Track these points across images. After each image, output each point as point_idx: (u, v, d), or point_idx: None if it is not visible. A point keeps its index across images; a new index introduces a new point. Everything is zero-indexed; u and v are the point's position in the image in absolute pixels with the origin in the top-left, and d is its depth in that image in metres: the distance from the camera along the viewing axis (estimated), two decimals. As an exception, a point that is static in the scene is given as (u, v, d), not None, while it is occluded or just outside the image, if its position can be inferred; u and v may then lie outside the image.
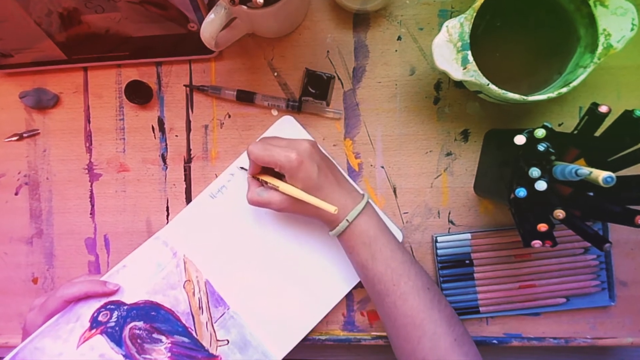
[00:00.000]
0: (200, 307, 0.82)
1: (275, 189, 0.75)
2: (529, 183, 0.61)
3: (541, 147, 0.61)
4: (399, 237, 0.84)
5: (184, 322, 0.80)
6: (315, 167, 0.72)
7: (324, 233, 0.83)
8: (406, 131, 0.85)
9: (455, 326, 0.72)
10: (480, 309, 0.84)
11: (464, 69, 0.67)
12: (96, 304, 0.78)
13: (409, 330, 0.71)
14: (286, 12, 0.77)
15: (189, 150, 0.89)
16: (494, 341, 0.85)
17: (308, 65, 0.85)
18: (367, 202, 0.77)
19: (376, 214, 0.78)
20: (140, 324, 0.78)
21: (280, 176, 0.76)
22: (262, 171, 0.78)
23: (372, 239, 0.74)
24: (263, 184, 0.78)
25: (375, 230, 0.75)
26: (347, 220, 0.74)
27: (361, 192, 0.79)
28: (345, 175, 0.82)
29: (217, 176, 0.88)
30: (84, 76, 0.90)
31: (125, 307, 0.79)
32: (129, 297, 0.80)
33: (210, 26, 0.69)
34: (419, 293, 0.72)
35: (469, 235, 0.84)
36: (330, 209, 0.70)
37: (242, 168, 0.87)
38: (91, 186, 0.91)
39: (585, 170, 0.56)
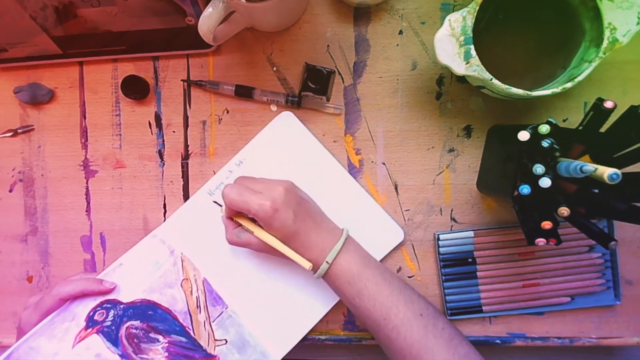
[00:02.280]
0: (198, 306, 0.82)
1: (251, 233, 0.77)
2: (533, 180, 0.61)
3: (545, 143, 0.61)
4: (401, 235, 0.85)
5: (181, 321, 0.80)
6: (291, 213, 0.73)
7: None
8: (408, 127, 0.85)
9: (457, 347, 0.72)
10: (483, 308, 0.84)
11: (466, 63, 0.67)
12: (92, 302, 0.78)
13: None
14: (286, 5, 0.77)
15: (186, 146, 0.89)
16: (497, 341, 0.85)
17: (308, 59, 0.85)
18: (347, 238, 0.78)
19: (358, 248, 0.78)
20: (136, 323, 0.78)
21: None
22: (238, 213, 0.78)
23: (355, 277, 0.74)
24: (239, 225, 0.79)
25: (357, 267, 0.75)
26: (326, 262, 0.74)
27: (340, 227, 0.80)
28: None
29: (215, 173, 0.88)
30: (80, 71, 0.90)
31: (122, 306, 0.79)
32: (126, 295, 0.80)
33: (208, 20, 0.69)
34: (411, 323, 0.72)
35: (471, 233, 0.84)
36: (305, 265, 0.73)
37: (215, 202, 0.87)
38: (87, 183, 0.91)
39: (590, 166, 0.56)
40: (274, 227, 0.72)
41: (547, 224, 0.62)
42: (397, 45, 0.84)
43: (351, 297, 0.75)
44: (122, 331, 0.77)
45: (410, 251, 0.86)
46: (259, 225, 0.75)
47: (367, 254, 0.78)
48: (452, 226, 0.86)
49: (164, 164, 0.89)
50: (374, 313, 0.73)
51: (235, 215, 0.78)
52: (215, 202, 0.86)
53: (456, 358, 0.70)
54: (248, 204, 0.72)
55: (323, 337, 0.87)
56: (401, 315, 0.72)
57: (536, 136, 0.61)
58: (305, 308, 0.85)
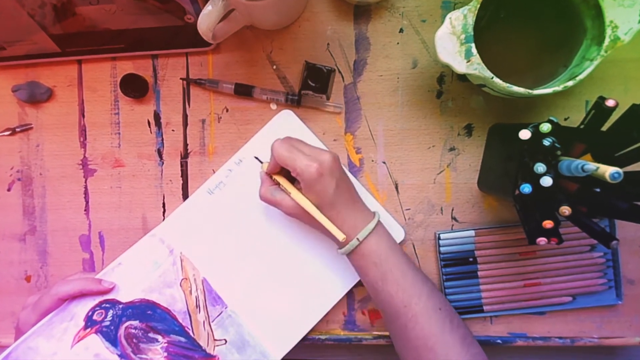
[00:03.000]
0: (198, 306, 0.82)
1: (288, 195, 0.76)
2: (534, 179, 0.61)
3: (547, 142, 0.61)
4: (401, 234, 0.85)
5: (180, 321, 0.80)
6: (334, 182, 0.72)
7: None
8: (408, 126, 0.85)
9: (469, 347, 0.72)
10: (484, 307, 0.84)
11: (467, 61, 0.67)
12: (91, 302, 0.78)
13: (421, 352, 0.72)
14: (285, 3, 0.77)
15: (185, 145, 0.89)
16: (498, 341, 0.85)
17: (308, 58, 0.85)
18: (379, 222, 0.77)
19: (387, 234, 0.77)
20: (135, 323, 0.78)
21: (295, 180, 0.77)
22: (279, 171, 0.78)
23: (382, 259, 0.74)
24: (277, 184, 0.78)
25: (386, 251, 0.74)
26: (357, 239, 0.73)
27: (372, 210, 0.79)
28: (360, 192, 0.82)
29: (214, 172, 0.88)
30: (78, 69, 0.90)
31: (121, 306, 0.79)
32: (125, 295, 0.80)
33: (208, 18, 0.69)
34: (430, 315, 0.72)
35: (472, 233, 0.84)
36: (339, 235, 0.72)
37: (256, 158, 0.87)
38: (85, 182, 0.91)
39: (591, 165, 0.56)
40: (314, 190, 0.72)
41: (548, 223, 0.62)
42: (398, 43, 0.84)
43: (375, 280, 0.74)
44: (121, 331, 0.77)
45: (411, 250, 0.86)
46: (298, 189, 0.75)
47: (395, 241, 0.77)
48: (452, 225, 0.86)
49: (163, 163, 0.89)
50: (395, 299, 0.73)
51: (276, 172, 0.78)
52: (256, 157, 0.87)
53: (467, 356, 0.70)
54: (295, 162, 0.71)
55: (323, 337, 0.87)
56: (422, 305, 0.72)
57: (537, 135, 0.61)
58: (305, 308, 0.85)
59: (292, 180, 0.77)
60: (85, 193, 0.91)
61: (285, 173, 0.77)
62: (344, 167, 0.79)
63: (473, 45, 0.67)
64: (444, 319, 0.72)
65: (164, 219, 0.89)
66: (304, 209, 0.74)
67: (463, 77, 0.83)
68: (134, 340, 0.77)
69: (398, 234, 0.85)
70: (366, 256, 0.74)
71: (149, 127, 0.89)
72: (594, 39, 0.68)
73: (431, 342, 0.70)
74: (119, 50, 0.87)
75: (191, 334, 0.80)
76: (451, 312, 0.74)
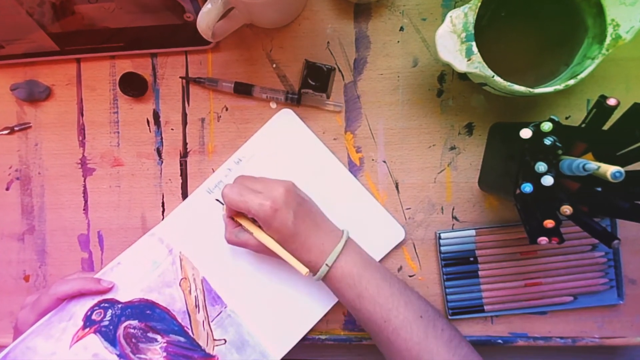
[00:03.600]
0: (197, 306, 0.82)
1: (251, 234, 0.77)
2: (535, 178, 0.61)
3: (548, 141, 0.61)
4: (401, 234, 0.85)
5: (179, 321, 0.80)
6: (291, 214, 0.73)
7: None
8: (409, 124, 0.85)
9: (456, 349, 0.72)
10: (485, 307, 0.84)
11: (468, 60, 0.67)
12: (90, 302, 0.78)
13: None
14: (285, 1, 0.77)
15: (185, 144, 0.89)
16: (499, 341, 0.85)
17: (308, 56, 0.85)
18: (348, 240, 0.78)
19: (358, 250, 0.78)
20: (134, 322, 0.78)
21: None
22: (239, 213, 0.78)
23: (355, 279, 0.74)
24: (239, 225, 0.79)
25: (358, 269, 0.75)
26: (326, 264, 0.74)
27: (340, 229, 0.80)
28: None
29: (214, 171, 0.88)
30: (77, 68, 0.90)
31: (120, 306, 0.79)
32: (124, 295, 0.80)
33: (207, 16, 0.69)
34: (411, 325, 0.72)
35: (473, 232, 0.84)
36: (302, 270, 0.74)
37: (217, 200, 0.87)
38: (84, 181, 0.91)
39: (593, 164, 0.56)
40: (273, 227, 0.73)
41: (549, 223, 0.62)
42: (398, 42, 0.84)
43: (351, 300, 0.75)
44: (120, 331, 0.77)
45: (411, 250, 0.86)
46: (259, 226, 0.76)
47: (367, 255, 0.78)
48: (453, 225, 0.86)
49: (162, 162, 0.89)
50: (374, 315, 0.73)
51: (235, 214, 0.78)
52: (217, 200, 0.87)
53: (456, 359, 0.70)
54: (247, 204, 0.72)
55: (323, 337, 0.87)
56: (401, 317, 0.72)
57: (538, 134, 0.61)
58: (305, 307, 0.85)
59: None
60: (84, 192, 0.91)
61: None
62: (300, 192, 0.79)
63: (474, 43, 0.67)
64: (426, 326, 0.72)
65: (163, 219, 0.89)
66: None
67: (464, 76, 0.83)
68: (133, 340, 0.77)
69: (398, 234, 0.85)
70: (339, 279, 0.75)
71: (148, 126, 0.89)
72: (596, 38, 0.68)
73: (415, 351, 0.71)
74: (118, 48, 0.87)
75: (190, 333, 0.80)
76: (434, 317, 0.74)
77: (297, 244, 0.74)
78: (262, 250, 0.77)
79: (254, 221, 0.77)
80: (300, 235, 0.74)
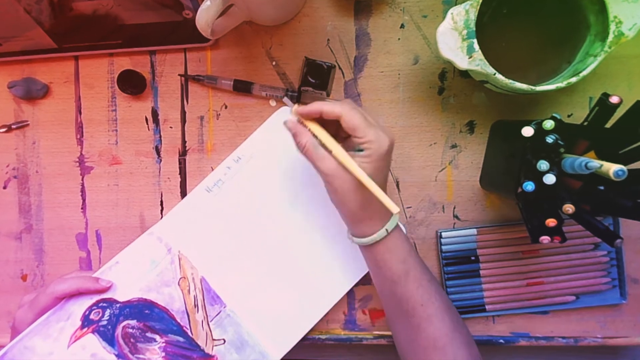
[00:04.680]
0: (196, 305, 0.82)
1: (329, 153, 0.67)
2: (537, 176, 0.61)
3: (550, 139, 0.61)
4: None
5: (178, 320, 0.80)
6: (389, 164, 0.68)
7: (325, 228, 0.83)
8: (409, 122, 0.85)
9: (471, 348, 0.71)
10: (487, 307, 0.84)
11: (469, 57, 0.67)
12: (88, 301, 0.78)
13: (429, 352, 0.70)
14: (285, -2, 0.77)
15: (183, 142, 0.89)
16: (501, 341, 0.85)
17: (308, 54, 0.85)
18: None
19: (402, 230, 0.75)
20: (133, 322, 0.78)
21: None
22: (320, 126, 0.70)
23: (407, 254, 0.71)
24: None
25: (408, 244, 0.72)
26: (386, 229, 0.69)
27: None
28: None
29: (213, 169, 0.87)
30: (75, 65, 0.90)
31: (118, 305, 0.79)
32: (122, 294, 0.80)
33: (206, 13, 0.69)
34: (444, 316, 0.70)
35: (474, 231, 0.84)
36: (393, 208, 0.62)
37: (287, 96, 0.84)
38: (82, 180, 0.91)
39: (595, 163, 0.56)
40: (376, 165, 0.65)
41: (551, 222, 0.62)
42: (399, 39, 0.84)
43: (397, 275, 0.71)
44: (119, 331, 0.77)
45: (412, 249, 0.86)
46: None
47: (407, 236, 0.75)
48: (454, 224, 0.86)
49: (161, 160, 0.89)
50: (414, 297, 0.70)
51: (313, 123, 0.70)
52: (287, 96, 0.84)
53: (472, 358, 0.70)
54: (367, 129, 0.64)
55: (323, 337, 0.87)
56: (437, 304, 0.70)
57: (540, 132, 0.61)
58: (305, 307, 0.85)
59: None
60: (82, 191, 0.91)
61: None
62: None
63: (475, 41, 0.67)
64: (456, 320, 0.72)
65: (161, 217, 0.89)
66: (344, 178, 0.66)
67: (465, 74, 0.83)
68: (132, 340, 0.77)
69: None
70: (391, 250, 0.71)
71: (147, 124, 0.89)
72: (598, 35, 0.68)
73: (442, 343, 0.69)
74: (116, 46, 0.87)
75: (189, 333, 0.80)
76: (456, 312, 0.74)
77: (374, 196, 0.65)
78: (331, 179, 0.67)
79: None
80: (383, 185, 0.68)
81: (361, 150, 0.65)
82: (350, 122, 0.64)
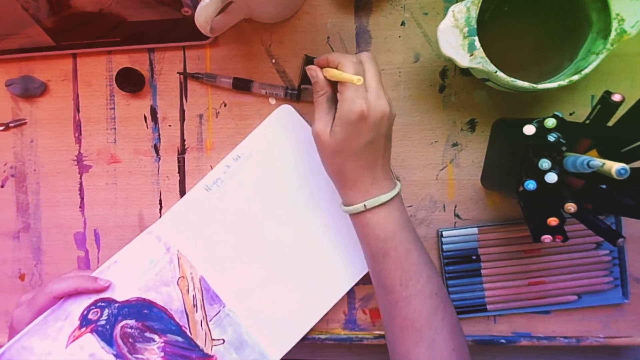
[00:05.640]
0: (195, 305, 0.82)
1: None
2: (539, 175, 0.61)
3: (551, 138, 0.61)
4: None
5: (177, 320, 0.80)
6: (370, 136, 0.67)
7: (325, 227, 0.83)
8: (410, 121, 0.85)
9: (456, 336, 0.71)
10: (488, 306, 0.84)
11: (470, 55, 0.67)
12: (86, 301, 0.78)
13: (406, 333, 0.70)
14: (284, -5, 0.77)
15: (182, 140, 0.89)
16: (502, 340, 0.85)
17: (308, 51, 0.85)
18: (395, 197, 0.72)
19: (402, 211, 0.74)
20: (132, 322, 0.78)
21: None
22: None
23: (387, 235, 0.71)
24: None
25: (393, 226, 0.71)
26: (364, 204, 0.70)
27: (395, 181, 0.74)
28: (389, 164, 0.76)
29: (212, 168, 0.87)
30: (73, 63, 0.90)
31: (117, 305, 0.79)
32: (121, 294, 0.80)
33: (205, 11, 0.69)
34: (425, 298, 0.70)
35: (475, 230, 0.84)
36: (353, 79, 0.62)
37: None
38: (80, 178, 0.91)
39: (597, 161, 0.56)
40: (347, 130, 0.67)
41: (553, 221, 0.62)
42: (399, 36, 0.84)
43: (375, 252, 0.72)
44: (117, 330, 0.77)
45: (413, 248, 0.86)
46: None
47: (408, 219, 0.74)
48: (455, 222, 0.86)
49: (159, 159, 0.89)
50: (393, 275, 0.71)
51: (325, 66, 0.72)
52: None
53: (453, 345, 0.70)
54: (348, 87, 0.66)
55: (323, 337, 0.87)
56: (419, 287, 0.70)
57: (542, 130, 0.61)
58: (305, 307, 0.85)
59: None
60: (81, 189, 0.91)
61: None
62: (389, 127, 0.71)
63: (476, 38, 0.67)
64: (437, 305, 0.71)
65: (160, 216, 0.89)
66: (326, 137, 0.69)
67: (466, 71, 0.83)
68: (130, 340, 0.77)
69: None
70: (370, 226, 0.71)
71: (146, 122, 0.89)
72: (600, 32, 0.68)
73: (419, 324, 0.69)
74: (114, 43, 0.87)
75: (188, 333, 0.80)
76: (446, 300, 0.73)
77: (351, 164, 0.69)
78: (316, 135, 0.71)
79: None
80: (359, 160, 0.70)
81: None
82: (342, 63, 0.68)
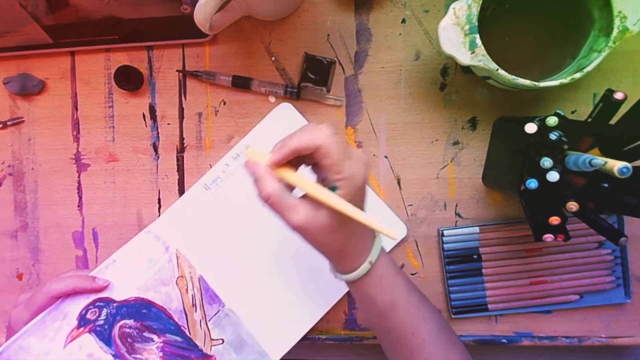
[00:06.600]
0: (194, 305, 0.82)
1: (311, 199, 0.60)
2: (541, 174, 0.61)
3: (553, 136, 0.61)
4: (403, 231, 0.85)
5: (176, 320, 0.80)
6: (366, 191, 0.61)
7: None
8: (411, 119, 0.85)
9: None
10: (489, 306, 0.84)
11: (471, 53, 0.67)
12: (84, 300, 0.78)
13: None
14: (284, -7, 0.77)
15: (181, 139, 0.89)
16: (504, 340, 0.85)
17: (307, 49, 0.85)
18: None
19: (387, 253, 0.69)
20: (130, 322, 0.78)
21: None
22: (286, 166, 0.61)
23: (391, 282, 0.66)
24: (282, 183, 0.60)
25: (393, 271, 0.67)
26: (369, 262, 0.63)
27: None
28: None
29: (211, 166, 0.88)
30: (71, 61, 0.90)
31: (115, 305, 0.79)
32: (119, 293, 0.80)
33: (204, 8, 0.69)
34: (436, 340, 0.68)
35: (477, 229, 0.84)
36: (393, 235, 0.56)
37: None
38: (79, 177, 0.91)
39: (599, 160, 0.56)
40: (356, 200, 0.58)
41: (555, 220, 0.62)
42: (400, 34, 0.84)
43: (384, 307, 0.66)
44: (116, 330, 0.77)
45: (414, 247, 0.86)
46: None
47: (394, 259, 0.72)
48: (456, 222, 0.86)
49: (158, 157, 0.89)
50: (403, 325, 0.67)
51: (285, 168, 0.60)
52: (238, 154, 0.84)
53: None
54: (344, 162, 0.57)
55: (323, 337, 0.87)
56: (428, 328, 0.67)
57: (544, 128, 0.61)
58: (305, 306, 0.85)
59: None
60: (79, 188, 0.91)
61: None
62: None
63: (477, 36, 0.67)
64: (447, 340, 0.69)
65: (159, 215, 0.90)
66: (317, 222, 0.58)
67: (467, 69, 0.83)
68: (129, 340, 0.77)
69: (400, 231, 0.85)
70: (376, 281, 0.65)
71: (144, 120, 0.89)
72: (602, 30, 0.68)
73: None
74: (113, 41, 0.87)
75: (187, 333, 0.80)
76: (448, 329, 0.71)
77: (356, 225, 0.60)
78: (304, 226, 0.59)
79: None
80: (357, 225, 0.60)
81: (335, 189, 0.58)
82: (330, 154, 0.57)
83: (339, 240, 0.61)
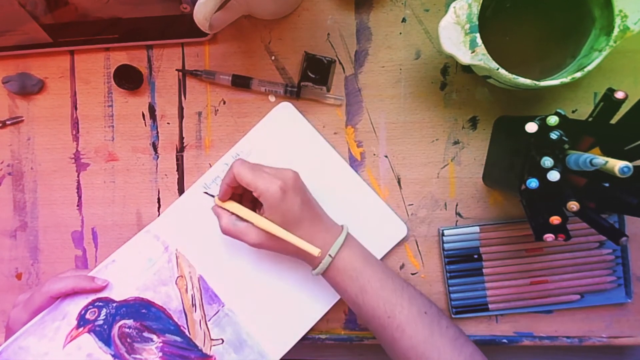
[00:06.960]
0: (194, 305, 0.82)
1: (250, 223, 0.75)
2: (541, 173, 0.61)
3: (554, 135, 0.61)
4: (404, 230, 0.85)
5: (176, 320, 0.80)
6: (299, 199, 0.73)
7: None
8: (411, 118, 0.85)
9: (462, 347, 0.72)
10: (490, 306, 0.84)
11: (472, 52, 0.67)
12: (84, 300, 0.78)
13: None
14: (284, -8, 0.77)
15: (181, 138, 0.89)
16: (504, 340, 0.85)
17: (307, 48, 0.85)
18: (348, 234, 0.78)
19: (359, 245, 0.79)
20: (129, 322, 0.78)
21: (252, 209, 0.77)
22: (231, 200, 0.78)
23: (358, 272, 0.74)
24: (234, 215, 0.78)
25: (359, 262, 0.75)
26: (329, 255, 0.73)
27: (340, 224, 0.79)
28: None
29: (211, 166, 0.88)
30: (71, 60, 0.90)
31: (114, 304, 0.79)
32: (118, 293, 0.80)
33: (204, 7, 0.69)
34: (416, 321, 0.72)
35: (477, 229, 0.84)
36: (314, 251, 0.71)
37: (206, 193, 0.87)
38: (78, 176, 0.91)
39: (600, 159, 0.56)
40: (279, 209, 0.71)
41: (555, 219, 0.62)
42: (400, 33, 0.84)
43: (354, 295, 0.74)
44: (115, 330, 0.77)
45: (414, 247, 0.86)
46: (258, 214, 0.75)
47: (368, 251, 0.78)
48: (457, 221, 0.86)
49: (158, 157, 0.89)
50: (377, 310, 0.72)
51: (229, 202, 0.78)
52: (206, 192, 0.86)
53: (462, 358, 0.70)
54: (257, 181, 0.71)
55: (323, 337, 0.87)
56: (406, 312, 0.72)
57: (544, 128, 0.61)
58: (304, 306, 0.85)
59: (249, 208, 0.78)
60: (78, 188, 0.91)
61: (237, 202, 0.78)
62: (304, 184, 0.78)
63: (478, 35, 0.67)
64: (431, 323, 0.72)
65: (159, 215, 0.90)
66: (269, 235, 0.73)
67: (467, 68, 0.83)
68: (128, 340, 0.77)
69: (400, 230, 0.85)
70: (341, 271, 0.75)
71: (144, 119, 0.89)
72: (603, 29, 0.68)
73: (421, 349, 0.70)
74: (112, 40, 0.87)
75: (187, 333, 0.80)
76: (438, 314, 0.74)
77: (302, 231, 0.73)
78: (259, 242, 0.74)
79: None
80: (304, 223, 0.73)
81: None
82: (242, 180, 0.72)
83: (292, 245, 0.72)
